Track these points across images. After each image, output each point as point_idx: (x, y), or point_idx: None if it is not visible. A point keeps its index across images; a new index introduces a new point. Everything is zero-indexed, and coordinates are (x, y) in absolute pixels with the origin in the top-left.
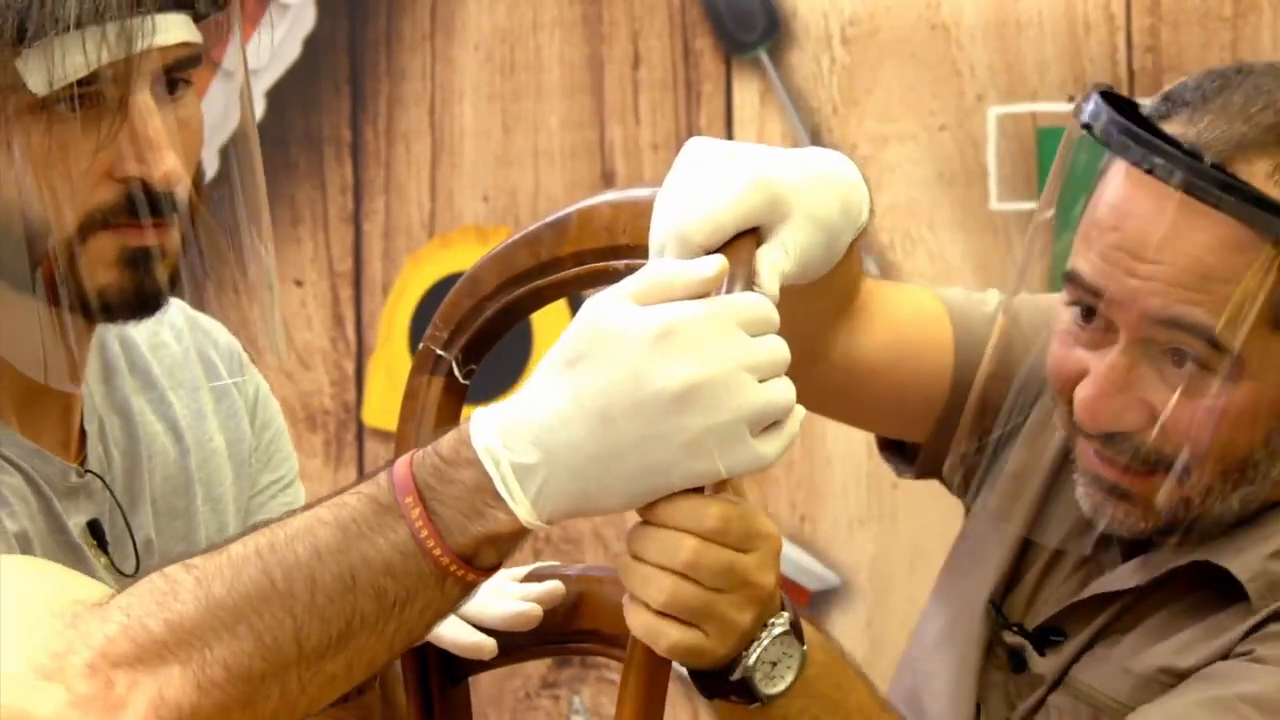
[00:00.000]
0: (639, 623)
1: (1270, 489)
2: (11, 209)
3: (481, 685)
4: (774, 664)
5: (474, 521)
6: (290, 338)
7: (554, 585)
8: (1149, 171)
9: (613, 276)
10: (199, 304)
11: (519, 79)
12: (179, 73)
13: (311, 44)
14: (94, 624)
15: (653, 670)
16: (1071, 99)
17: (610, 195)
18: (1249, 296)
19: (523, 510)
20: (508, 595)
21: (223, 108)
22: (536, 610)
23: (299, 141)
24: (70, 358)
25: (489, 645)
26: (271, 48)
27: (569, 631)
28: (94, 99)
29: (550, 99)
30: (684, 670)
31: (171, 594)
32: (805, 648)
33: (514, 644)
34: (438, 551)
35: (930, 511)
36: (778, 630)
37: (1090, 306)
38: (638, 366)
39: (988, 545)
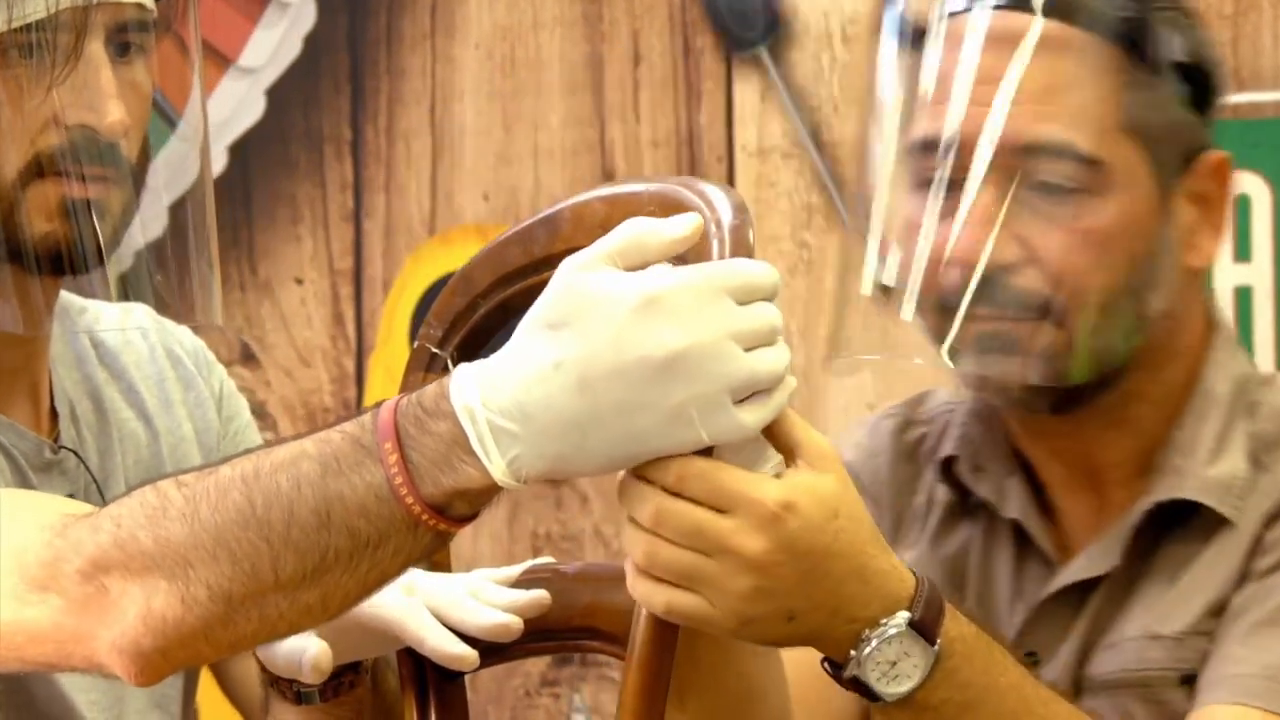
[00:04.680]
0: (632, 584)
1: (1147, 327)
2: None
3: (482, 683)
4: (893, 663)
5: (446, 474)
6: (225, 315)
7: (538, 595)
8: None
9: None
10: (135, 266)
11: (519, 77)
12: (131, 35)
13: (312, 42)
14: (84, 533)
15: (655, 668)
16: None
17: (603, 191)
18: (1098, 100)
19: (496, 469)
20: (492, 602)
21: (232, 105)
22: (517, 623)
23: (299, 140)
24: (34, 304)
25: (470, 657)
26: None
27: (568, 629)
28: (47, 44)
29: (550, 97)
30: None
31: (161, 510)
32: (937, 645)
33: (513, 642)
34: (409, 499)
35: None
36: (891, 631)
37: (947, 169)
38: (620, 334)
39: None
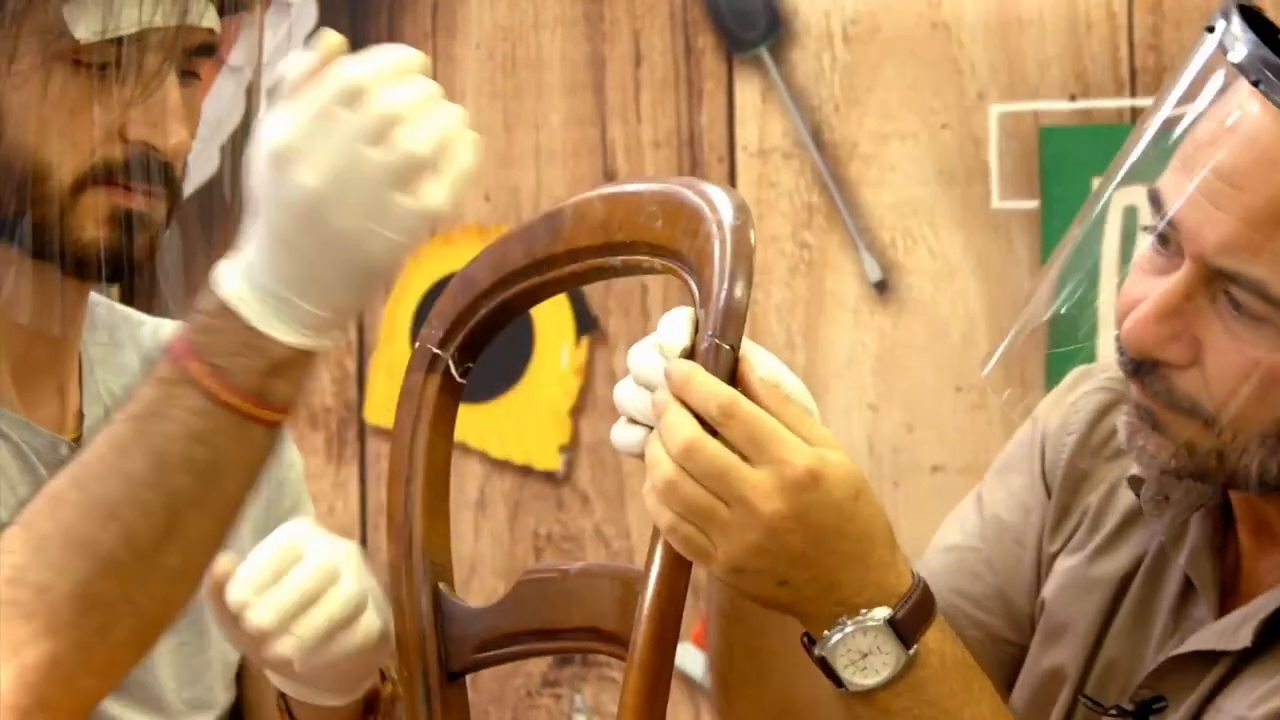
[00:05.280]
0: (646, 496)
1: None
2: (17, 152)
3: (483, 683)
4: (864, 654)
5: (252, 358)
6: None
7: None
8: (1256, 84)
9: (608, 273)
10: (168, 282)
11: (520, 77)
12: (196, 58)
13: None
14: None
15: (655, 669)
16: (1073, 97)
17: (605, 190)
18: None
19: (290, 336)
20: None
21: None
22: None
23: None
24: (58, 305)
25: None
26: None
27: (570, 629)
28: (129, 60)
29: (552, 97)
30: (693, 672)
31: (4, 550)
32: (913, 650)
33: (513, 641)
34: (227, 395)
35: (932, 511)
36: (869, 623)
37: (1165, 233)
38: (276, 192)
39: (1065, 619)
